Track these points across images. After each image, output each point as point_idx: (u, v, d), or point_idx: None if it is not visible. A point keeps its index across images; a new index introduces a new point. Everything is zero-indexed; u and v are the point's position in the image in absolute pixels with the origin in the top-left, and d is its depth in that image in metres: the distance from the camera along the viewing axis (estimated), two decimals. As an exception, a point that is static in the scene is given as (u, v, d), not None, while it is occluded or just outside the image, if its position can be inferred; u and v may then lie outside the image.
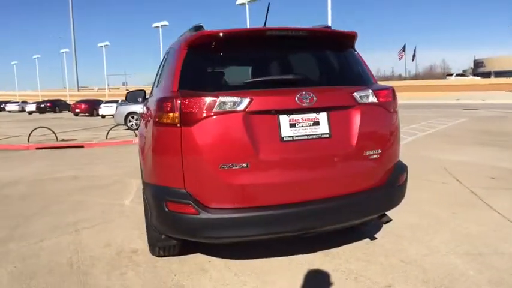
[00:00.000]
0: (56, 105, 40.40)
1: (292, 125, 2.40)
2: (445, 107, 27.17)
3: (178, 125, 2.28)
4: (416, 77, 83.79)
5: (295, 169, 2.40)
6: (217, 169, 2.27)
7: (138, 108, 12.66)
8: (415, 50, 73.96)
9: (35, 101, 46.63)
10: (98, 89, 76.15)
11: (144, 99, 3.73)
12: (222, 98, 2.27)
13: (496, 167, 6.16)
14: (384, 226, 3.55)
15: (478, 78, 53.98)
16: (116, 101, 25.21)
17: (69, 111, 34.90)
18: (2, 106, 49.98)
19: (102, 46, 46.49)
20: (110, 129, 12.83)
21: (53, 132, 11.98)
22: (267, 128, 2.35)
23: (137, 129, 11.75)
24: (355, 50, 2.91)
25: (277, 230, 2.42)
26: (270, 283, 2.61)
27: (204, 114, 2.25)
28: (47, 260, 3.04)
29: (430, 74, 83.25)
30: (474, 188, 4.83)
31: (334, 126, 2.48)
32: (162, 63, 3.44)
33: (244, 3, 29.78)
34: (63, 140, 11.85)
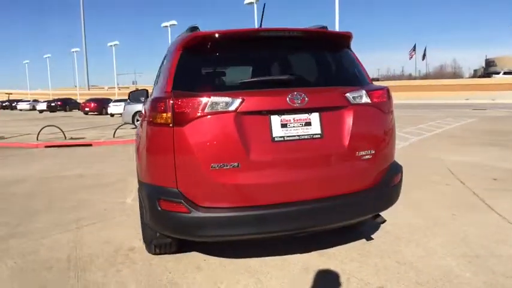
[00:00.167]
0: (66, 104, 40.97)
1: (283, 126, 2.41)
2: (454, 107, 26.86)
3: (171, 125, 2.31)
4: (426, 76, 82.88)
5: (286, 169, 2.42)
6: (208, 169, 2.30)
7: (145, 107, 12.75)
8: (425, 49, 73.25)
9: (46, 99, 47.29)
10: (108, 88, 76.88)
11: (147, 99, 3.78)
12: (213, 99, 2.30)
13: (499, 168, 6.10)
14: (382, 227, 3.55)
15: None
16: (125, 100, 25.45)
17: (79, 109, 35.34)
18: (13, 105, 50.82)
19: (111, 45, 46.90)
20: (117, 128, 12.97)
21: (62, 130, 12.16)
22: (258, 128, 2.37)
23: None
24: (350, 51, 2.91)
25: (268, 229, 2.44)
26: (262, 282, 2.62)
27: (196, 115, 2.28)
28: (46, 256, 3.10)
29: (440, 74, 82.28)
30: (476, 189, 4.79)
31: (326, 127, 2.48)
32: (161, 63, 3.49)
33: (252, 3, 29.79)
34: (71, 138, 12.02)
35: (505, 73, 50.59)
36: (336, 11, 19.17)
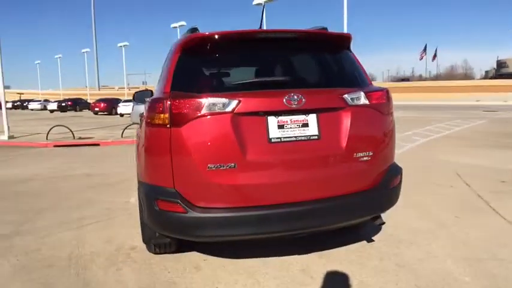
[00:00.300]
0: (76, 104, 41.44)
1: (280, 127, 2.42)
2: (464, 108, 26.56)
3: (168, 125, 2.34)
4: (437, 77, 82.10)
5: (283, 170, 2.43)
6: (205, 169, 2.32)
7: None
8: (436, 50, 72.62)
9: (57, 99, 47.87)
10: (119, 88, 77.56)
11: None
12: (210, 100, 2.32)
13: (508, 170, 6.01)
14: (383, 229, 3.53)
15: None
16: (134, 100, 25.63)
17: (89, 109, 35.70)
18: (25, 105, 51.56)
19: (121, 46, 47.30)
20: (125, 128, 13.09)
21: (70, 130, 12.32)
22: (255, 129, 2.38)
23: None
24: (350, 52, 2.91)
25: (265, 230, 2.44)
26: (260, 282, 2.63)
27: (193, 115, 2.31)
28: (49, 254, 3.15)
29: (451, 75, 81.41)
30: (482, 192, 4.73)
31: (323, 128, 2.49)
32: (163, 65, 3.52)
33: (261, 4, 29.76)
34: (80, 138, 12.18)
35: None
36: (345, 13, 19.07)
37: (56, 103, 42.08)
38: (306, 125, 2.46)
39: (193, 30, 2.75)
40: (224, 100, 2.33)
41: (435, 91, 49.88)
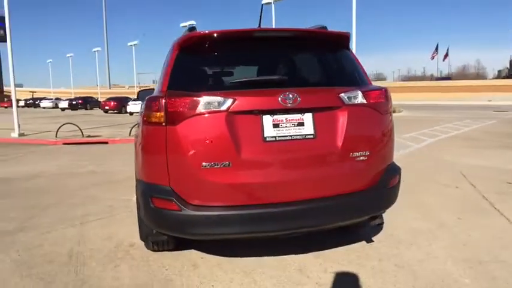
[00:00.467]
0: (87, 102, 41.91)
1: (275, 125, 2.41)
2: (475, 108, 26.19)
3: (164, 124, 2.34)
4: (448, 77, 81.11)
5: (277, 169, 2.42)
6: (199, 167, 2.32)
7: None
8: (447, 49, 71.77)
9: (68, 98, 48.47)
10: (129, 87, 78.22)
11: None
12: (205, 98, 2.32)
13: (516, 172, 5.91)
14: (383, 229, 3.50)
15: None
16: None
17: (99, 108, 36.07)
18: (37, 103, 52.30)
19: (131, 45, 47.66)
20: (134, 126, 13.19)
21: (79, 128, 12.45)
22: (249, 128, 2.37)
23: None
24: (349, 51, 2.88)
25: (260, 229, 2.44)
26: (257, 281, 2.63)
27: (188, 114, 2.31)
28: (49, 250, 3.19)
29: (463, 75, 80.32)
30: (487, 193, 4.66)
31: (319, 127, 2.47)
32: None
33: (270, 3, 29.72)
34: (89, 136, 12.31)
35: None
36: (353, 12, 18.93)
37: (67, 101, 42.63)
38: (301, 124, 2.45)
39: (192, 29, 2.76)
40: (219, 99, 2.33)
41: (446, 91, 49.28)
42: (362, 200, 2.60)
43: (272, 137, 2.40)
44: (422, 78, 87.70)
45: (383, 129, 2.70)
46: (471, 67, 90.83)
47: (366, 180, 2.61)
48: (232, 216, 2.37)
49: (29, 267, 2.88)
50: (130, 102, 28.54)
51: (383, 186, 2.69)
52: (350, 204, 2.57)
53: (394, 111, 16.07)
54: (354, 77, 2.78)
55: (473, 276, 2.66)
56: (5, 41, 13.43)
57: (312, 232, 2.87)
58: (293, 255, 3.00)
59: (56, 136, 11.94)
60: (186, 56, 2.56)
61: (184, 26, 41.16)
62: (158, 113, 2.35)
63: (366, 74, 2.86)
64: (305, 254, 3.02)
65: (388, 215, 3.59)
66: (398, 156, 7.46)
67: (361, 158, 2.55)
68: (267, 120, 2.40)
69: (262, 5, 3.33)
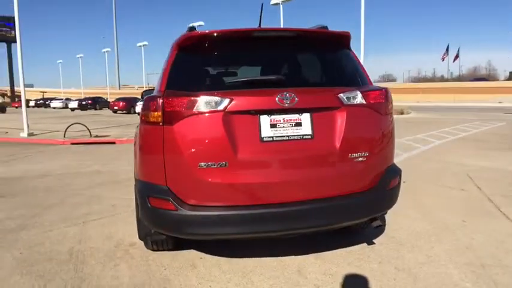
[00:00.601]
0: (96, 103, 42.30)
1: (273, 126, 2.40)
2: (485, 110, 25.86)
3: (161, 123, 2.35)
4: (459, 78, 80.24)
5: (275, 170, 2.40)
6: (196, 167, 2.32)
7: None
8: (458, 50, 70.93)
9: (78, 98, 48.98)
10: (138, 87, 78.74)
11: None
12: (202, 98, 2.32)
13: (524, 174, 5.81)
14: (386, 231, 3.47)
15: None
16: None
17: (108, 108, 36.38)
18: (47, 103, 52.96)
19: (141, 46, 48.05)
20: (140, 127, 13.25)
21: (88, 128, 12.57)
22: (247, 128, 2.36)
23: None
24: (350, 51, 2.86)
25: (256, 230, 2.42)
26: (254, 282, 2.62)
27: (185, 114, 2.31)
28: (51, 248, 3.22)
29: (474, 76, 79.33)
30: (493, 196, 4.59)
31: (317, 128, 2.45)
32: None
33: (278, 3, 29.69)
34: (96, 136, 12.41)
35: None
36: (362, 13, 18.77)
37: (77, 102, 43.05)
38: (299, 124, 2.43)
39: (191, 29, 2.76)
40: (216, 98, 2.32)
41: (457, 92, 48.72)
42: (361, 202, 2.57)
43: (269, 137, 2.39)
44: (433, 79, 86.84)
45: (383, 130, 2.67)
46: (482, 68, 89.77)
47: (365, 182, 2.59)
48: (229, 217, 2.36)
49: (30, 265, 2.91)
50: (138, 103, 28.73)
51: (382, 188, 2.65)
52: (348, 206, 2.54)
53: (402, 113, 15.97)
54: (354, 77, 2.75)
55: (475, 281, 2.61)
56: (15, 41, 13.62)
57: (307, 234, 2.85)
58: (293, 256, 2.98)
59: (64, 136, 12.06)
60: (184, 56, 2.56)
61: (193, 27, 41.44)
62: (156, 113, 2.36)
63: (366, 74, 2.84)
64: (305, 255, 3.00)
65: (390, 217, 3.56)
66: (404, 158, 7.43)
67: (360, 159, 2.52)
68: (265, 120, 2.39)
69: (262, 4, 3.31)
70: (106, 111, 35.45)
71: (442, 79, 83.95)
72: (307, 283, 2.62)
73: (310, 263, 2.90)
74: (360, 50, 18.01)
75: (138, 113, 22.29)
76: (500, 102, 34.97)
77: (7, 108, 40.91)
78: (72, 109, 41.18)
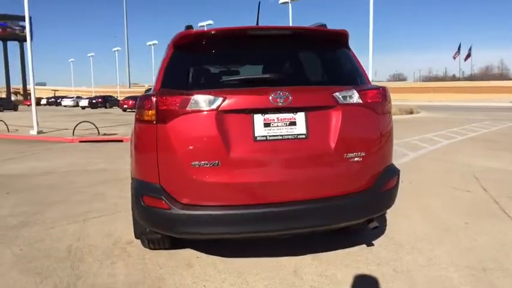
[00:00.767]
0: (106, 101, 42.70)
1: (266, 125, 2.37)
2: (497, 109, 25.45)
3: (155, 122, 2.35)
4: (471, 77, 79.11)
5: (268, 169, 2.38)
6: (188, 166, 2.31)
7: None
8: (470, 49, 69.80)
9: (89, 96, 49.51)
10: (149, 86, 79.16)
11: None
12: (195, 97, 2.30)
13: (533, 176, 5.69)
14: (386, 232, 3.43)
15: None
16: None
17: (118, 106, 36.70)
18: (58, 101, 53.63)
19: (150, 45, 48.35)
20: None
21: (96, 126, 12.68)
22: (240, 127, 2.34)
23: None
24: (348, 49, 2.81)
25: (249, 229, 2.40)
26: (248, 283, 2.60)
27: (179, 112, 2.30)
28: (50, 245, 3.24)
29: (486, 75, 78.12)
30: (499, 198, 4.50)
31: (312, 127, 2.42)
32: None
33: (287, 2, 29.61)
34: (104, 134, 12.52)
35: None
36: (371, 12, 18.60)
37: (87, 100, 43.50)
38: (293, 123, 2.40)
39: (188, 27, 2.75)
40: (209, 97, 2.31)
41: (469, 92, 48.02)
42: (356, 202, 2.53)
43: (263, 136, 2.36)
44: (444, 79, 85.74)
45: (380, 130, 2.62)
46: (494, 67, 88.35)
47: (360, 182, 2.55)
48: (222, 216, 2.34)
49: (29, 261, 2.94)
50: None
51: (379, 189, 2.61)
52: (343, 207, 2.50)
53: (411, 112, 15.80)
54: (351, 76, 2.71)
55: (474, 284, 2.56)
56: (26, 40, 13.81)
57: (304, 234, 2.82)
58: (290, 257, 2.96)
59: (73, 134, 12.19)
60: (180, 55, 2.55)
61: (202, 26, 41.55)
62: (150, 111, 2.35)
63: (365, 73, 2.79)
64: (302, 256, 2.97)
65: (391, 218, 3.51)
66: (410, 158, 7.34)
67: (355, 159, 2.48)
68: (258, 119, 2.37)
69: (259, 2, 3.28)
70: (116, 110, 35.75)
71: (454, 78, 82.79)
72: (303, 284, 2.59)
73: (307, 263, 2.87)
74: (369, 48, 17.85)
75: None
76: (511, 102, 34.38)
77: (19, 106, 41.54)
78: (83, 107, 41.66)
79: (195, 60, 2.64)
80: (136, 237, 3.00)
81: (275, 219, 2.39)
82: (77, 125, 12.62)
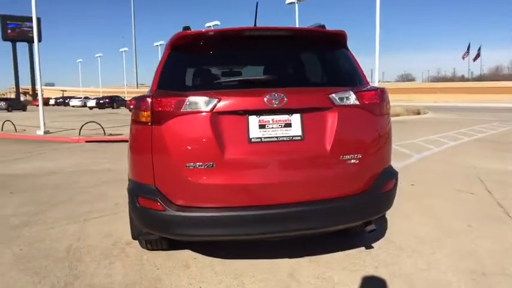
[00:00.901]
0: (113, 101, 42.97)
1: (261, 126, 2.36)
2: (506, 110, 25.13)
3: (150, 123, 2.35)
4: (480, 78, 78.25)
5: (263, 171, 2.36)
6: (183, 168, 2.30)
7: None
8: (479, 49, 69.05)
9: (97, 97, 49.87)
10: (155, 86, 79.34)
11: None
12: (190, 98, 2.30)
13: (539, 178, 5.60)
14: (386, 235, 3.40)
15: None
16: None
17: (125, 107, 36.92)
18: (66, 101, 54.12)
19: (158, 45, 48.56)
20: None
21: (102, 127, 12.77)
22: (235, 129, 2.33)
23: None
24: (347, 50, 2.79)
25: (243, 231, 2.39)
26: (245, 284, 2.59)
27: (174, 114, 2.30)
28: (50, 245, 3.27)
29: (495, 75, 77.19)
30: (503, 200, 4.43)
31: (307, 129, 2.40)
32: None
33: (294, 2, 29.54)
34: (110, 134, 12.61)
35: None
36: (377, 13, 18.46)
37: (95, 100, 43.82)
38: (288, 125, 2.39)
39: (185, 28, 2.75)
40: (204, 99, 2.30)
41: (477, 92, 47.50)
42: (353, 205, 2.50)
43: (258, 138, 2.35)
44: (452, 79, 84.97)
45: (378, 131, 2.59)
46: (504, 68, 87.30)
47: (358, 184, 2.52)
48: (217, 218, 2.33)
49: (28, 261, 2.96)
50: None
51: (377, 191, 2.58)
52: (340, 209, 2.48)
53: (418, 113, 15.65)
54: (349, 77, 2.68)
55: (474, 289, 2.52)
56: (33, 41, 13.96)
57: (300, 236, 2.79)
58: (287, 259, 2.94)
59: (79, 134, 12.29)
60: (176, 56, 2.55)
61: (209, 26, 41.67)
62: (145, 113, 2.36)
63: (363, 74, 2.76)
64: (300, 258, 2.95)
65: (391, 220, 3.48)
66: (414, 160, 7.27)
67: (352, 161, 2.45)
68: (253, 120, 2.36)
69: (257, 2, 3.25)
70: (123, 110, 35.96)
71: (462, 79, 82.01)
72: (299, 286, 2.57)
73: (304, 266, 2.85)
74: (375, 49, 17.74)
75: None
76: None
77: (28, 107, 42.01)
78: (91, 107, 41.97)
79: (191, 61, 2.64)
80: (134, 238, 3.01)
81: (271, 221, 2.37)
82: (83, 126, 12.72)
